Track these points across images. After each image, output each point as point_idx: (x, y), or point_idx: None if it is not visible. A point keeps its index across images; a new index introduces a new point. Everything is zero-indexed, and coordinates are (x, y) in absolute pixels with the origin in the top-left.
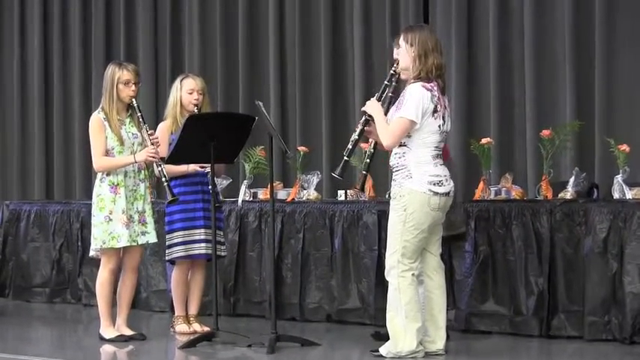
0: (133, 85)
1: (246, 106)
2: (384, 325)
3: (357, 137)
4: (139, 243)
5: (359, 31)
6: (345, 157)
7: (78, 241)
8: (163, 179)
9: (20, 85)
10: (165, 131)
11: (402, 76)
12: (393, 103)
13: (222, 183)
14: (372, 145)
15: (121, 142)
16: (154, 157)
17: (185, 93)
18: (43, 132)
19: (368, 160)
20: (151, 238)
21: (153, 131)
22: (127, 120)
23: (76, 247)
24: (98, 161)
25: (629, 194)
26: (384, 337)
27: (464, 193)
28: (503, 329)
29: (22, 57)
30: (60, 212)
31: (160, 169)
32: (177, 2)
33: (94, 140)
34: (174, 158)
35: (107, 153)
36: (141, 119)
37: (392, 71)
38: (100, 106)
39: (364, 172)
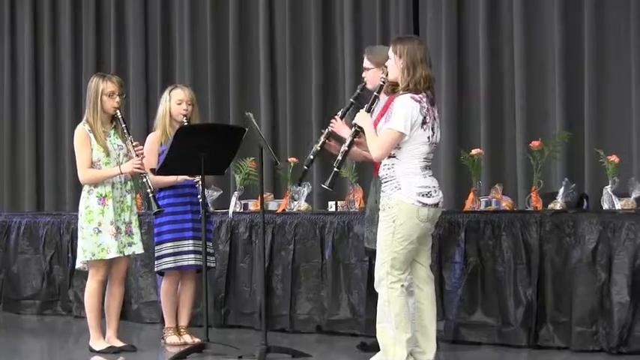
0: (117, 97)
1: (237, 117)
2: (374, 336)
3: (346, 148)
4: (126, 254)
5: (349, 43)
6: (335, 169)
7: (68, 252)
8: (148, 190)
9: (10, 97)
10: (155, 142)
11: (368, 86)
12: (357, 108)
13: (212, 194)
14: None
15: (107, 154)
16: (139, 169)
17: (174, 104)
18: (33, 143)
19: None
20: (138, 249)
21: (137, 142)
22: (112, 131)
23: (67, 258)
24: (84, 173)
25: (619, 205)
26: (370, 349)
27: (452, 204)
28: (491, 340)
29: (12, 69)
30: (50, 224)
31: (145, 180)
32: (167, 13)
33: (79, 152)
34: (164, 169)
35: (93, 165)
36: (125, 130)
37: (380, 82)
38: (85, 118)
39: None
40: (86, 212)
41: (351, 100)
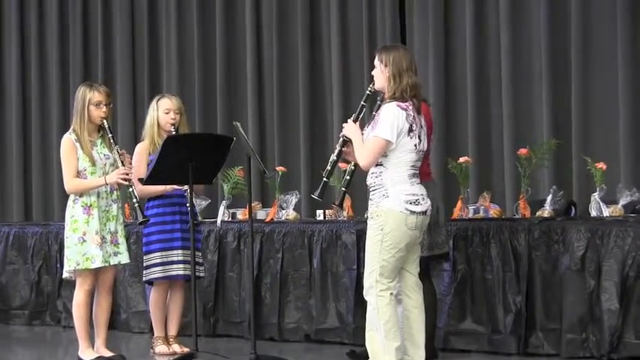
0: (104, 107)
1: (224, 126)
2: (362, 345)
3: (335, 158)
4: (111, 263)
5: (336, 52)
6: (325, 179)
7: (57, 263)
8: (134, 200)
9: None
10: (143, 152)
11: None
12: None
13: (200, 204)
14: (353, 162)
15: (93, 163)
16: (124, 179)
17: (162, 113)
18: (21, 154)
19: (348, 177)
20: (124, 258)
21: (124, 152)
22: (99, 141)
23: (55, 269)
24: (70, 183)
25: (607, 212)
26: (360, 357)
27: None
28: (481, 348)
29: (0, 81)
30: (39, 234)
31: (130, 190)
32: (154, 23)
33: (65, 162)
34: (152, 179)
35: (79, 174)
36: (112, 140)
37: (368, 91)
38: (71, 127)
39: (344, 189)
40: (71, 221)
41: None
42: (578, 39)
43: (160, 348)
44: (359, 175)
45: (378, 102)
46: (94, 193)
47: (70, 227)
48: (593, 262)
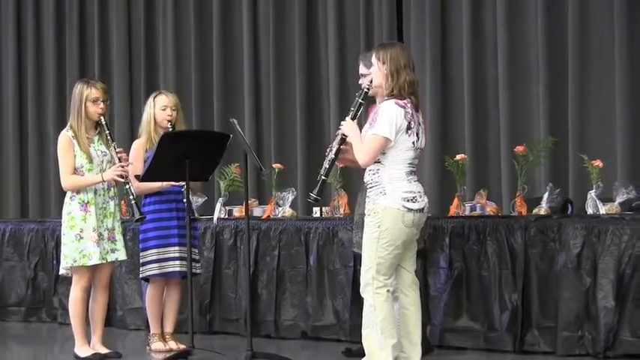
0: (102, 103)
1: (221, 123)
2: (359, 342)
3: (333, 157)
4: (109, 260)
5: (333, 49)
6: (323, 177)
7: (53, 259)
8: (131, 197)
9: None
10: (140, 149)
11: (370, 93)
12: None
13: (197, 201)
14: (335, 151)
15: (90, 160)
16: (121, 176)
17: (158, 110)
18: (17, 151)
19: (327, 166)
20: (121, 255)
21: (121, 149)
22: (96, 138)
23: (51, 265)
24: (66, 180)
25: (603, 210)
26: (356, 354)
27: (437, 209)
28: (477, 345)
29: None
30: (35, 231)
31: (127, 187)
32: (151, 20)
33: (62, 159)
34: (148, 176)
35: (76, 171)
36: (109, 137)
37: (366, 88)
38: (69, 124)
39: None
40: (68, 218)
41: (359, 100)
42: (575, 38)
43: (156, 345)
44: (356, 172)
45: (357, 98)
46: (91, 190)
47: (67, 224)
48: (589, 260)
